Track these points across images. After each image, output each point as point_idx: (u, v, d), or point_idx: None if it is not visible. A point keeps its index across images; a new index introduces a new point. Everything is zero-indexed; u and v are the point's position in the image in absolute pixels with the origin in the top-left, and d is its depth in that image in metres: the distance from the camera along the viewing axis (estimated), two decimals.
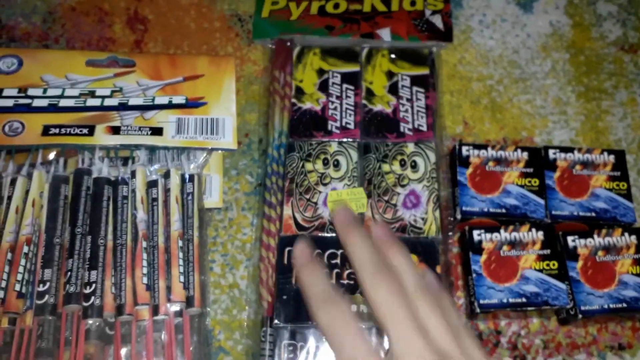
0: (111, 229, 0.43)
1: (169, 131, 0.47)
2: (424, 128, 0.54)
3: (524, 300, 0.48)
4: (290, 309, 0.46)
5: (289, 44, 0.57)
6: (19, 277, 0.40)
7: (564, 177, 0.53)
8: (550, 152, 0.54)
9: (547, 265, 0.49)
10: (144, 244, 0.42)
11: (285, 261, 0.47)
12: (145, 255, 0.42)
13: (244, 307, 0.50)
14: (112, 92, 0.48)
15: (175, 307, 0.41)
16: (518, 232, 0.50)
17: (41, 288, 0.40)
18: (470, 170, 0.52)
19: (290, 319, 0.46)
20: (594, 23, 0.64)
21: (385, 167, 0.52)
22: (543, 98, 0.60)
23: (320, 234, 0.49)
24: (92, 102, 0.47)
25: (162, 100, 0.48)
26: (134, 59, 0.50)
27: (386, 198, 0.51)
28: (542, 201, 0.52)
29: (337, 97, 0.55)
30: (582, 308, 0.48)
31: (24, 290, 0.40)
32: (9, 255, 0.40)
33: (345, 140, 0.52)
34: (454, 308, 0.32)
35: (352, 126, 0.54)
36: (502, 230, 0.50)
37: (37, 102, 0.47)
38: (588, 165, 0.53)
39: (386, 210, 0.51)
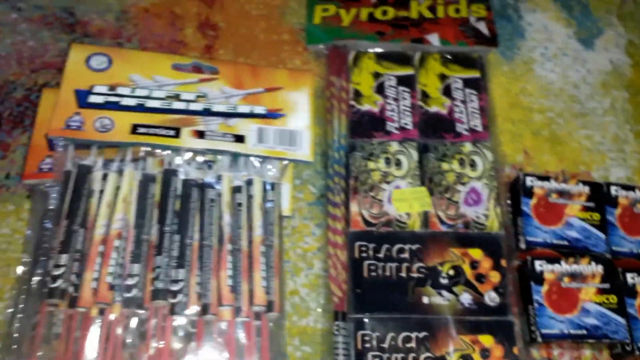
0: (197, 229, 0.43)
1: (250, 139, 0.47)
2: (480, 128, 0.55)
3: (584, 332, 0.48)
4: (365, 301, 0.47)
5: (343, 49, 0.59)
6: (110, 269, 0.40)
7: (625, 214, 0.53)
8: (612, 188, 0.54)
9: (607, 299, 0.49)
10: (229, 246, 0.43)
11: (357, 255, 0.48)
12: (230, 258, 0.43)
13: (305, 314, 0.50)
14: (197, 97, 0.48)
15: (257, 310, 0.42)
16: (578, 265, 0.50)
17: (130, 282, 0.40)
18: (534, 201, 0.52)
19: (366, 310, 0.46)
20: None
21: (445, 166, 0.53)
22: (602, 134, 0.60)
23: (388, 230, 0.50)
24: (177, 105, 0.48)
25: (243, 109, 0.49)
26: (217, 66, 0.51)
27: (448, 195, 0.52)
28: (603, 236, 0.52)
29: (394, 99, 0.56)
30: None
31: (114, 283, 0.40)
32: (101, 248, 0.41)
33: (404, 140, 0.54)
34: None
35: (410, 127, 0.55)
36: (562, 262, 0.50)
37: (125, 101, 0.47)
38: None
39: (448, 207, 0.52)
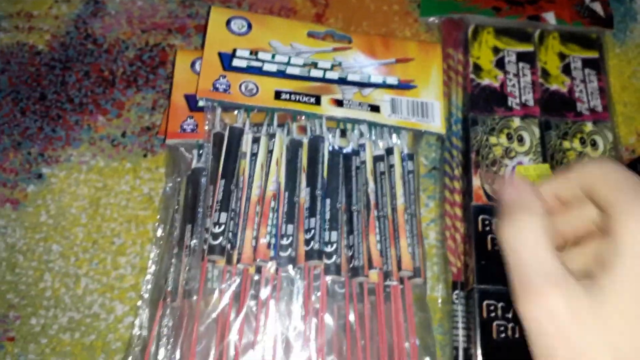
0: (344, 195, 0.44)
1: (385, 110, 0.47)
2: (600, 109, 0.55)
3: None
4: (489, 273, 0.47)
5: (459, 22, 0.59)
6: (268, 229, 0.41)
7: None
8: None
9: None
10: (375, 212, 0.43)
11: (480, 228, 0.48)
12: (377, 223, 0.43)
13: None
14: (333, 65, 0.48)
15: (404, 275, 0.43)
16: None
17: (284, 242, 0.41)
18: None
19: (490, 282, 0.47)
20: None
21: (566, 144, 0.53)
22: None
23: None
24: (315, 73, 0.47)
25: (377, 79, 0.48)
26: (351, 35, 0.50)
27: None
28: None
29: (515, 75, 0.56)
30: None
31: (271, 242, 0.41)
32: (257, 208, 0.41)
33: (526, 117, 0.54)
34: None
35: (531, 103, 0.55)
36: None
37: (267, 67, 0.47)
38: None
39: None
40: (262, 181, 0.42)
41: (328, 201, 0.43)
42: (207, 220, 0.41)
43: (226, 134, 0.44)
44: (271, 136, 0.44)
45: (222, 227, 0.40)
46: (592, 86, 0.56)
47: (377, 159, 0.46)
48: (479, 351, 0.47)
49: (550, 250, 0.24)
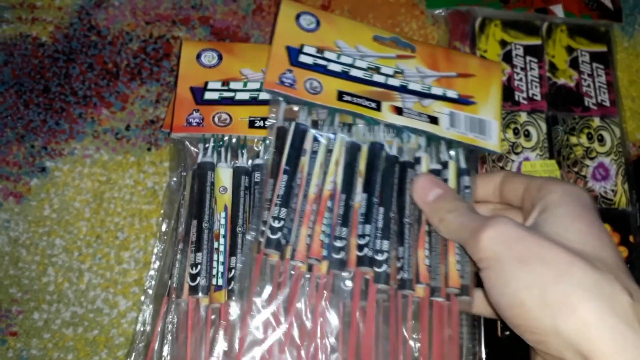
0: (396, 205, 0.42)
1: (443, 122, 0.46)
2: (607, 104, 0.55)
3: None
4: None
5: (466, 14, 0.58)
6: (323, 228, 0.40)
7: None
8: None
9: None
10: (426, 227, 0.42)
11: None
12: (427, 238, 0.42)
13: None
14: (395, 72, 0.47)
15: (451, 292, 0.41)
16: None
17: (338, 244, 0.40)
18: None
19: None
20: None
21: (573, 140, 0.53)
22: None
23: None
24: (377, 78, 0.46)
25: (437, 90, 0.47)
26: (415, 45, 0.49)
27: (576, 169, 0.52)
28: None
29: (522, 69, 0.55)
30: None
31: (325, 241, 0.40)
32: (314, 206, 0.41)
33: (533, 111, 0.54)
34: None
35: (538, 98, 0.54)
36: None
37: (331, 66, 0.46)
38: None
39: (576, 181, 0.52)
40: (320, 180, 0.42)
41: (382, 209, 0.42)
42: (265, 213, 0.40)
43: (291, 129, 0.43)
44: (333, 136, 0.44)
45: (282, 222, 0.40)
46: (599, 80, 0.56)
47: (432, 173, 0.44)
48: (483, 349, 0.47)
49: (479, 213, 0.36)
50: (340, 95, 0.45)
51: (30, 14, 0.61)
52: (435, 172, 0.44)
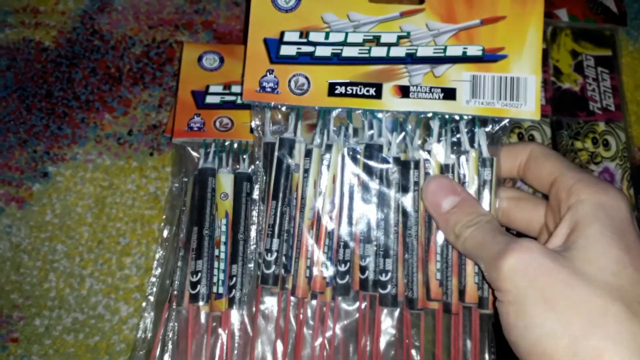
0: (401, 216, 0.38)
1: (462, 94, 0.37)
2: (612, 108, 0.54)
3: None
4: None
5: None
6: (324, 257, 0.37)
7: None
8: None
9: None
10: (438, 237, 0.37)
11: None
12: (439, 250, 0.37)
13: None
14: (399, 37, 0.38)
15: (469, 305, 0.37)
16: None
17: (342, 268, 0.37)
18: None
19: None
20: None
21: (578, 144, 0.53)
22: None
23: None
24: (377, 51, 0.38)
25: (455, 50, 0.38)
26: None
27: None
28: None
29: None
30: None
31: (328, 271, 0.38)
32: (311, 232, 0.37)
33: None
34: None
35: (543, 102, 0.53)
36: None
37: (319, 51, 0.38)
38: None
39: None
40: (316, 201, 0.37)
41: (382, 223, 0.37)
42: (261, 244, 0.38)
43: (276, 145, 0.38)
44: (327, 147, 0.38)
45: (275, 254, 0.37)
46: (604, 85, 0.55)
47: (444, 168, 0.37)
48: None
49: (502, 230, 0.31)
50: (332, 88, 0.38)
51: (34, 19, 0.61)
52: (447, 167, 0.37)
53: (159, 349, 0.41)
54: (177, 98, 0.47)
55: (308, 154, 0.38)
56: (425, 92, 0.37)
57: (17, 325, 0.49)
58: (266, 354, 0.38)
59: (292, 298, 0.38)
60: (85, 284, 0.50)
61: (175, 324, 0.41)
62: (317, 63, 0.38)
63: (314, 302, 0.38)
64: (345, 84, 0.38)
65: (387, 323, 0.39)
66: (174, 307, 0.41)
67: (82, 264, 0.51)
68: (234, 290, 0.40)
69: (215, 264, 0.40)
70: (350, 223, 0.38)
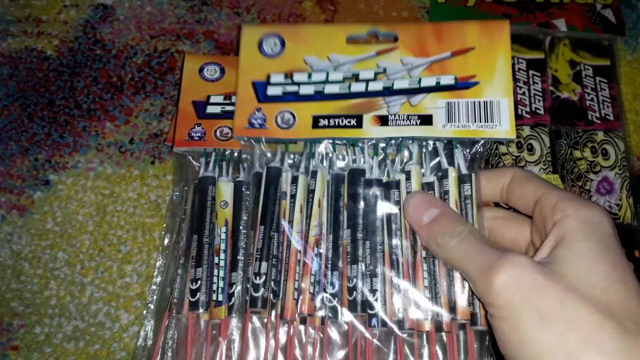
0: (386, 234, 0.38)
1: (438, 119, 0.40)
2: (611, 117, 0.54)
3: None
4: None
5: None
6: (311, 279, 0.38)
7: None
8: None
9: None
10: (423, 253, 0.37)
11: None
12: (425, 266, 0.37)
13: None
14: (376, 74, 0.42)
15: (460, 322, 0.37)
16: None
17: (330, 290, 0.38)
18: None
19: None
20: None
21: (577, 154, 0.53)
22: None
23: None
24: (356, 87, 0.42)
25: (429, 81, 0.41)
26: (396, 31, 0.43)
27: (579, 184, 0.52)
28: None
29: (525, 83, 0.55)
30: None
31: (315, 292, 0.39)
32: (299, 256, 0.39)
33: (536, 125, 0.53)
34: None
35: (541, 112, 0.54)
36: None
37: (303, 90, 0.42)
38: None
39: (580, 195, 0.51)
40: (303, 225, 0.39)
41: (368, 244, 0.38)
42: (249, 269, 0.39)
43: (264, 174, 0.41)
44: (312, 174, 0.40)
45: (263, 277, 0.38)
46: (603, 94, 0.55)
47: (427, 187, 0.39)
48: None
49: (487, 241, 0.31)
50: (316, 121, 0.41)
51: (36, 28, 0.61)
52: (430, 186, 0.39)
53: (159, 357, 0.41)
54: (178, 108, 0.47)
55: (294, 180, 0.40)
56: (403, 120, 0.40)
57: (17, 333, 0.49)
58: None
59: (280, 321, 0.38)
60: (85, 291, 0.50)
61: (175, 331, 0.41)
62: (302, 100, 0.42)
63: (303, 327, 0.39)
64: (328, 117, 0.41)
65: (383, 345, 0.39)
66: (174, 314, 0.41)
67: (83, 271, 0.51)
68: (233, 298, 0.40)
69: (215, 272, 0.41)
70: (336, 245, 0.39)
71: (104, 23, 0.62)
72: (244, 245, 0.41)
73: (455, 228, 0.32)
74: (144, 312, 0.46)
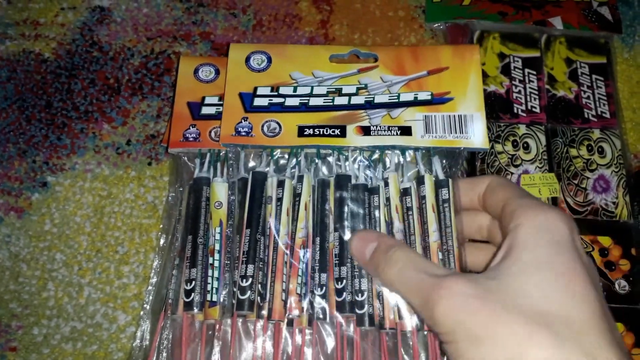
0: None
1: (417, 130, 0.43)
2: (607, 115, 0.54)
3: None
4: None
5: (464, 28, 0.59)
6: (298, 280, 0.39)
7: None
8: None
9: None
10: None
11: None
12: None
13: None
14: (358, 89, 0.45)
15: None
16: None
17: (318, 292, 0.39)
18: None
19: None
20: None
21: (573, 152, 0.53)
22: None
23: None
24: (339, 100, 0.44)
25: (407, 97, 0.44)
26: (376, 52, 0.47)
27: (576, 182, 0.52)
28: None
29: (520, 81, 0.55)
30: None
31: (302, 293, 0.39)
32: (285, 258, 0.39)
33: (531, 123, 0.54)
34: None
35: (537, 110, 0.54)
36: None
37: (289, 102, 0.44)
38: None
39: (577, 193, 0.51)
40: (290, 228, 0.40)
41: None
42: (235, 272, 0.40)
43: (249, 179, 0.42)
44: (299, 178, 0.42)
45: (250, 280, 0.39)
46: (599, 92, 0.55)
47: (404, 192, 0.41)
48: None
49: (430, 262, 0.32)
50: (301, 130, 0.43)
51: (34, 31, 0.62)
52: (406, 191, 0.41)
53: (154, 358, 0.41)
54: (173, 109, 0.47)
55: (280, 184, 0.42)
56: (384, 130, 0.43)
57: (15, 334, 0.49)
58: None
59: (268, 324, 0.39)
60: (83, 292, 0.51)
61: (170, 332, 0.41)
62: (287, 111, 0.44)
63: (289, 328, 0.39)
64: (313, 127, 0.43)
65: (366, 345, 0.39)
66: (169, 315, 0.41)
67: (81, 272, 0.51)
68: (222, 300, 0.40)
69: (210, 272, 0.41)
70: (323, 247, 0.40)
71: (101, 25, 0.62)
72: (229, 250, 0.42)
73: (392, 255, 0.33)
74: (141, 312, 0.46)
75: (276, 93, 0.45)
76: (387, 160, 0.44)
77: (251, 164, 0.46)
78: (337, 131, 0.43)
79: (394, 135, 0.43)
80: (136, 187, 0.55)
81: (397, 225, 0.41)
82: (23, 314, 0.50)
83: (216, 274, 0.41)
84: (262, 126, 0.43)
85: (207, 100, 0.47)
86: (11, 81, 0.59)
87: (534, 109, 0.54)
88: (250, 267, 0.39)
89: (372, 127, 0.43)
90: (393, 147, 0.43)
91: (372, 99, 0.44)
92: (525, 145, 0.52)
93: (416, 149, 0.43)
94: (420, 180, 0.41)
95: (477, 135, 0.42)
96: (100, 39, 0.61)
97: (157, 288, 0.45)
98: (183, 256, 0.42)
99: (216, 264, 0.41)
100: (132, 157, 0.56)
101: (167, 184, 0.54)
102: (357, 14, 0.63)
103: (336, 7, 0.63)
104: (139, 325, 0.45)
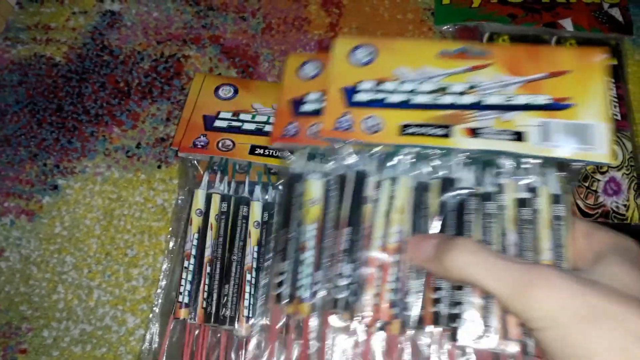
0: None
1: (532, 137, 0.39)
2: (618, 117, 0.54)
3: None
4: None
5: (473, 30, 0.58)
6: (391, 285, 0.37)
7: None
8: None
9: None
10: None
11: None
12: None
13: None
14: (468, 88, 0.41)
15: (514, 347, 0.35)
16: None
17: (410, 299, 0.37)
18: None
19: None
20: None
21: None
22: None
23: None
24: (446, 99, 0.41)
25: (522, 99, 0.40)
26: (491, 49, 0.43)
27: (586, 184, 0.51)
28: None
29: None
30: None
31: (395, 299, 0.37)
32: (378, 261, 0.37)
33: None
34: None
35: None
36: None
37: (391, 98, 0.42)
38: None
39: (587, 196, 0.51)
40: (384, 231, 0.38)
41: None
42: (330, 271, 0.38)
43: (353, 177, 0.40)
44: (396, 180, 0.39)
45: (349, 279, 0.37)
46: (610, 94, 0.55)
47: (520, 203, 0.38)
48: None
49: (504, 257, 0.31)
50: (404, 128, 0.40)
51: (45, 35, 0.62)
52: (523, 202, 0.38)
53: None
54: (189, 120, 0.48)
55: (379, 185, 0.39)
56: (495, 134, 0.39)
57: (25, 336, 0.50)
58: None
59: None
60: (93, 295, 0.51)
61: (174, 336, 0.41)
62: (390, 107, 0.41)
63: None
64: (417, 125, 0.40)
65: None
66: (179, 318, 0.41)
67: (90, 275, 0.52)
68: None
69: (300, 269, 0.40)
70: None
71: (111, 29, 0.62)
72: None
73: (463, 242, 0.32)
74: (150, 315, 0.46)
75: (379, 89, 0.42)
76: (500, 164, 0.40)
77: (348, 160, 0.43)
78: (441, 131, 0.40)
79: (506, 140, 0.39)
80: (146, 190, 0.55)
81: (512, 238, 0.37)
82: (33, 316, 0.50)
83: (307, 270, 0.40)
84: (363, 122, 0.41)
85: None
86: (23, 85, 0.60)
87: None
88: (349, 266, 0.37)
89: (481, 129, 0.39)
90: (505, 154, 0.39)
91: (482, 99, 0.40)
92: None
93: (530, 157, 0.39)
94: (535, 192, 0.38)
95: (601, 148, 0.37)
96: (111, 42, 0.62)
97: (167, 291, 0.45)
98: (277, 250, 0.41)
99: (307, 261, 0.40)
100: (141, 160, 0.56)
101: (176, 187, 0.55)
102: (366, 16, 0.63)
103: (345, 10, 0.63)
104: (148, 328, 0.45)
